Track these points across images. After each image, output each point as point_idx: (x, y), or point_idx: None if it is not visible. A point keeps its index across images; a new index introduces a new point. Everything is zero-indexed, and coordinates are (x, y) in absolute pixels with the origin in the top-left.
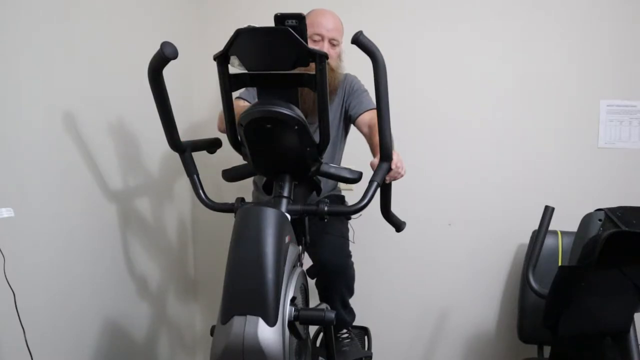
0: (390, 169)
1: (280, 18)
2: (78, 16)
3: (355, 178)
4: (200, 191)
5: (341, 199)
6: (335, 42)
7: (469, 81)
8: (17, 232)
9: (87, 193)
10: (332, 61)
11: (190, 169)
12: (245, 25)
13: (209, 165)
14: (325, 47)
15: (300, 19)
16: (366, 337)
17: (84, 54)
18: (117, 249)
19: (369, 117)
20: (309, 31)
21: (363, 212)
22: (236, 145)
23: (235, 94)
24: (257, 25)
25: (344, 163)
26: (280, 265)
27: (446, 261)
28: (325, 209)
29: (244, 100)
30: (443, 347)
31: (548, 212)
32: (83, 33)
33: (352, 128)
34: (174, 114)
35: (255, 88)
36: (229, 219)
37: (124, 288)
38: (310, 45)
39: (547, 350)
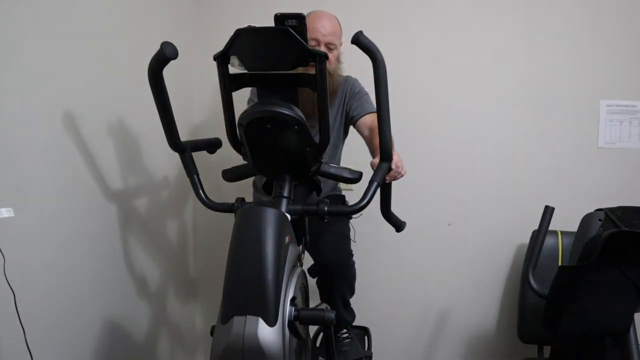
0: (390, 169)
1: (280, 18)
2: (78, 16)
3: (355, 178)
4: (200, 191)
5: (342, 199)
6: (332, 46)
7: (469, 81)
8: (17, 232)
9: (87, 193)
10: (329, 65)
11: (190, 169)
12: (245, 25)
13: (209, 165)
14: None
15: (300, 19)
16: (366, 337)
17: (83, 54)
18: (117, 249)
19: (370, 119)
20: None
21: (363, 212)
22: (236, 145)
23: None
24: (257, 25)
25: (344, 163)
26: (280, 266)
27: (446, 261)
28: (326, 209)
29: None
30: (443, 347)
31: (548, 212)
32: (83, 33)
33: (352, 129)
34: (174, 114)
35: None
36: (229, 219)
37: (124, 288)
38: None
39: (547, 350)
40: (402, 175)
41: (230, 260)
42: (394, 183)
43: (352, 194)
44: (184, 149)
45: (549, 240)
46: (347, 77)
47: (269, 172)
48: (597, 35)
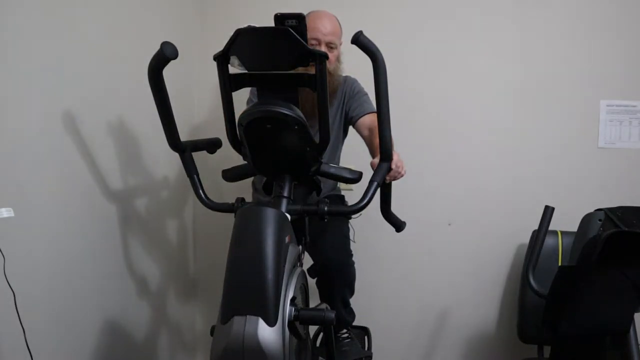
0: (390, 169)
1: (280, 18)
2: (78, 16)
3: (355, 178)
4: (200, 191)
5: (341, 199)
6: (332, 46)
7: (469, 81)
8: (17, 232)
9: (87, 193)
10: (329, 65)
11: (190, 169)
12: (245, 25)
13: (209, 165)
14: None
15: (300, 19)
16: (366, 337)
17: (83, 54)
18: (117, 249)
19: (370, 120)
20: None
21: (363, 212)
22: (236, 145)
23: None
24: (257, 25)
25: (344, 163)
26: (280, 265)
27: (446, 261)
28: (325, 209)
29: None
30: (443, 347)
31: (548, 212)
32: (83, 33)
33: (351, 129)
34: (174, 114)
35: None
36: (229, 219)
37: (124, 288)
38: None
39: (547, 350)
40: (402, 175)
41: (230, 261)
42: (393, 183)
43: (352, 194)
44: (184, 149)
45: (549, 240)
46: (347, 77)
47: (269, 172)
48: (597, 35)
